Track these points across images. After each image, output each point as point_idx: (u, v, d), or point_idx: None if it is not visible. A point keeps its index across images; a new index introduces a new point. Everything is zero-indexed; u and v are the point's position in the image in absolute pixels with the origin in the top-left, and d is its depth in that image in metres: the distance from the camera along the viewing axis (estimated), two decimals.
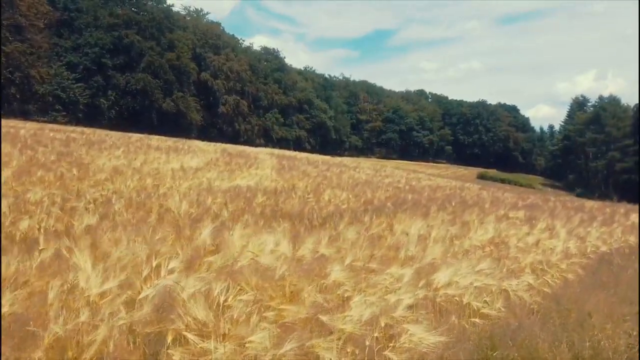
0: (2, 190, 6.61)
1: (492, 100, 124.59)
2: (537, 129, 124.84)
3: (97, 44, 44.36)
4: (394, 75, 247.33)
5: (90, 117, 44.28)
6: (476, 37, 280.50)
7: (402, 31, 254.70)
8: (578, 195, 72.63)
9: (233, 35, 74.07)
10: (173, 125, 47.02)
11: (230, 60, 60.32)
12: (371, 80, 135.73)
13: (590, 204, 17.65)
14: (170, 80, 49.99)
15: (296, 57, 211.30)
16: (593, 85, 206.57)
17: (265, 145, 69.66)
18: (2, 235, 4.77)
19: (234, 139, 60.65)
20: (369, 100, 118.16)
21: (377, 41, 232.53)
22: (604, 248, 7.67)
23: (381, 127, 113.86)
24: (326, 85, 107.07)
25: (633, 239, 8.93)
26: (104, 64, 45.36)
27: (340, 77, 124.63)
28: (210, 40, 58.71)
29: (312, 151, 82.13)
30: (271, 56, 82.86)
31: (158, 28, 50.25)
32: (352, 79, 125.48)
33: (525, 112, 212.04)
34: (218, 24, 64.87)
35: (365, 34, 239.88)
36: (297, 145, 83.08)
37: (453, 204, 9.38)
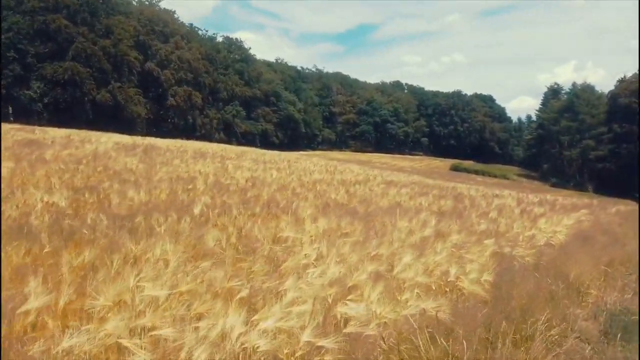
0: None
1: (472, 92, 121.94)
2: (522, 120, 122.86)
3: (12, 29, 39.74)
4: (379, 70, 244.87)
5: (18, 111, 40.03)
6: (458, 31, 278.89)
7: (386, 25, 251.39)
8: (553, 186, 70.50)
9: (191, 25, 69.80)
10: (110, 119, 42.85)
11: (181, 48, 56.15)
12: (356, 75, 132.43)
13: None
14: (106, 69, 45.59)
15: (281, 53, 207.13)
16: (573, 76, 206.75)
17: (229, 141, 65.82)
18: None
19: (189, 133, 56.70)
20: (343, 92, 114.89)
21: (361, 36, 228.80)
22: None
23: (355, 119, 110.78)
24: (297, 78, 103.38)
25: None
26: (22, 51, 40.82)
27: (314, 70, 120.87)
28: (157, 27, 54.38)
29: (280, 146, 78.65)
30: (234, 47, 78.76)
31: (92, 13, 45.78)
32: (325, 71, 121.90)
33: (508, 103, 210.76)
34: (169, 11, 60.63)
35: (350, 29, 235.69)
36: (264, 139, 79.38)
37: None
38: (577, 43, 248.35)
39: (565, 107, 76.35)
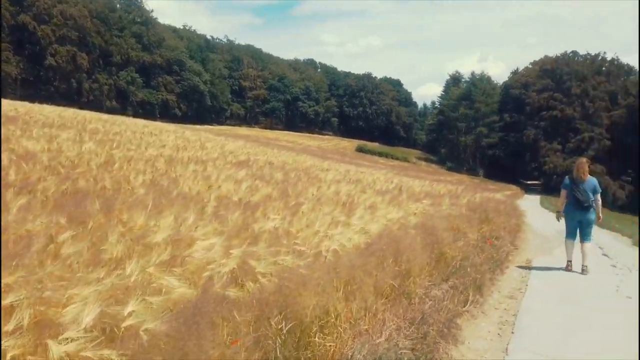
0: None
1: (382, 76, 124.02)
2: (427, 106, 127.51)
3: None
4: (295, 47, 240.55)
5: None
6: (376, 13, 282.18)
7: (307, 2, 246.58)
8: (448, 169, 74.26)
9: None
10: None
11: (64, 2, 49.84)
12: (271, 50, 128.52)
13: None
14: None
15: (194, 21, 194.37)
16: (477, 66, 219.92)
17: (123, 110, 60.47)
18: None
19: (74, 98, 50.97)
20: (254, 66, 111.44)
21: (281, 10, 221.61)
22: None
23: (266, 95, 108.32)
24: (206, 47, 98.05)
25: None
26: None
27: (224, 41, 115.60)
28: None
29: (183, 118, 74.13)
30: (133, 7, 72.15)
31: None
32: (237, 42, 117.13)
33: (417, 89, 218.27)
34: None
35: (270, 2, 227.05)
36: (165, 110, 74.42)
37: None
38: (483, 35, 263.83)
39: (464, 95, 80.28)
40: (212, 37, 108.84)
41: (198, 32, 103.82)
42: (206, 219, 3.91)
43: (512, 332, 4.26)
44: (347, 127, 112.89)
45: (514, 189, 48.31)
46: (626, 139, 57.73)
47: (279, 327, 2.48)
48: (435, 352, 3.45)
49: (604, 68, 65.31)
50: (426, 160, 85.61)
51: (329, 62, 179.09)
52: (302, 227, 4.45)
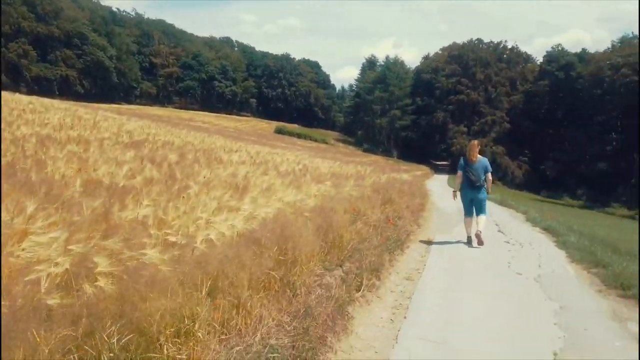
0: None
1: (301, 57, 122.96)
2: (345, 88, 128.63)
3: None
4: (212, 26, 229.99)
5: None
6: None
7: None
8: (364, 151, 76.09)
9: None
10: None
11: None
12: (185, 28, 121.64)
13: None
14: None
15: None
16: (392, 51, 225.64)
17: (16, 86, 54.36)
18: None
19: None
20: (166, 42, 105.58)
21: None
22: None
23: (179, 73, 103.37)
24: (111, 20, 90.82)
25: None
26: None
27: (133, 14, 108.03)
28: None
29: (86, 96, 68.38)
30: None
31: None
32: (146, 17, 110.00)
33: (335, 72, 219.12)
34: None
35: None
36: (65, 87, 68.19)
37: None
38: (398, 21, 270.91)
39: (379, 78, 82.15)
40: (118, 9, 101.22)
41: (102, 4, 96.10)
42: (57, 207, 3.28)
43: (405, 317, 4.12)
44: (265, 109, 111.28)
45: (424, 169, 50.60)
46: (523, 123, 62.61)
47: (111, 341, 2.00)
48: (319, 346, 3.17)
49: (505, 55, 69.91)
50: (344, 141, 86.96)
51: (246, 41, 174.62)
52: (180, 214, 3.94)
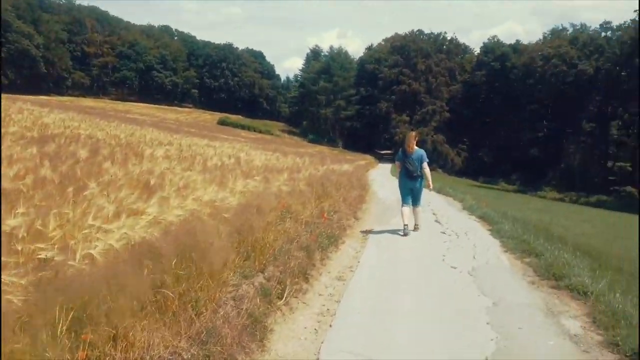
0: None
1: (244, 47, 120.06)
2: (290, 79, 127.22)
3: None
4: (151, 14, 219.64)
5: None
6: None
7: None
8: (309, 141, 75.85)
9: None
10: None
11: None
12: (121, 15, 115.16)
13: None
14: None
15: None
16: (337, 42, 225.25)
17: None
18: None
19: None
20: (100, 30, 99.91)
21: None
22: None
23: (115, 63, 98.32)
24: (38, 6, 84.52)
25: None
26: None
27: (62, 0, 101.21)
28: None
29: (11, 87, 63.39)
30: None
31: None
32: (77, 3, 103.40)
33: (281, 63, 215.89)
34: None
35: None
36: None
37: None
38: (343, 12, 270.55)
39: (323, 69, 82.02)
40: None
41: None
42: None
43: (331, 326, 3.76)
44: (208, 100, 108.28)
45: (369, 158, 51.08)
46: (462, 112, 64.65)
47: None
48: None
49: (444, 47, 71.69)
50: (289, 132, 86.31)
51: (186, 30, 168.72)
52: (64, 222, 3.34)
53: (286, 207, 5.91)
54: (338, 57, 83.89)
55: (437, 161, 63.93)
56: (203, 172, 6.57)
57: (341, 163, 19.38)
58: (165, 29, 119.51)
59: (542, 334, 3.67)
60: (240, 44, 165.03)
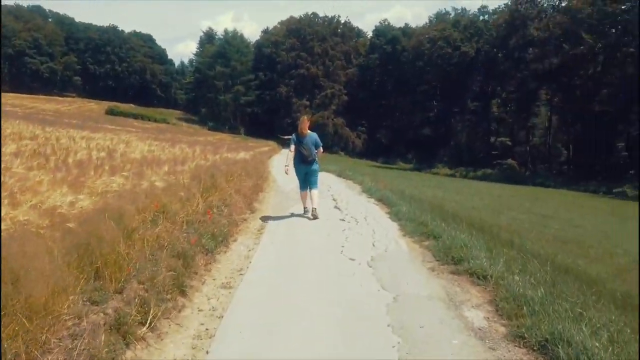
0: None
1: (131, 30, 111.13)
2: (185, 64, 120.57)
3: None
4: None
5: None
6: None
7: None
8: (210, 129, 73.07)
9: None
10: None
11: None
12: None
13: None
14: None
15: None
16: (232, 25, 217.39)
17: None
18: None
19: None
20: None
21: None
22: None
23: None
24: None
25: None
26: None
27: None
28: None
29: None
30: None
31: None
32: None
33: (174, 46, 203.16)
34: None
35: None
36: None
37: None
38: None
39: (219, 53, 79.10)
40: None
41: None
42: None
43: (207, 353, 3.09)
44: (94, 88, 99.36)
45: (272, 144, 50.37)
46: (359, 95, 66.27)
47: None
48: None
49: (339, 30, 72.61)
50: (187, 120, 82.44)
51: (62, 11, 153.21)
52: None
53: (161, 207, 5.05)
54: (234, 40, 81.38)
55: (339, 144, 65.18)
56: (58, 170, 5.45)
57: (238, 151, 18.46)
58: (37, 10, 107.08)
59: (446, 332, 3.33)
60: (125, 27, 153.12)
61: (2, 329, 2.30)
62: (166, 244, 4.36)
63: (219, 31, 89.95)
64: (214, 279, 4.60)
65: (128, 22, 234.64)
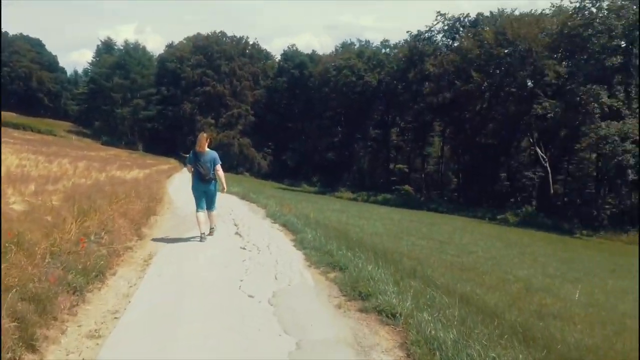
0: None
1: (17, 33, 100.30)
2: (79, 73, 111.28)
3: None
4: None
5: None
6: None
7: None
8: (103, 144, 67.84)
9: None
10: None
11: None
12: None
13: None
14: None
15: None
16: (134, 37, 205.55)
17: None
18: None
19: None
20: None
21: None
22: None
23: None
24: None
25: None
26: None
27: None
28: None
29: None
30: None
31: None
32: None
33: (68, 54, 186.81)
34: None
35: None
36: None
37: None
38: (142, 7, 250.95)
39: (118, 63, 74.57)
40: None
41: None
42: None
43: None
44: None
45: (173, 162, 47.94)
46: (267, 116, 66.03)
47: None
48: None
49: (247, 51, 72.24)
50: (78, 133, 75.90)
51: None
52: None
53: (14, 236, 4.10)
54: (135, 52, 77.32)
55: (244, 164, 64.03)
56: None
57: (132, 168, 16.96)
58: None
59: None
60: (10, 29, 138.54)
61: None
62: (15, 283, 3.46)
63: (119, 41, 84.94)
64: (79, 326, 3.76)
65: (14, 24, 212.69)
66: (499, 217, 33.78)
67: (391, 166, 56.20)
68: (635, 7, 30.26)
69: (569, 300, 8.07)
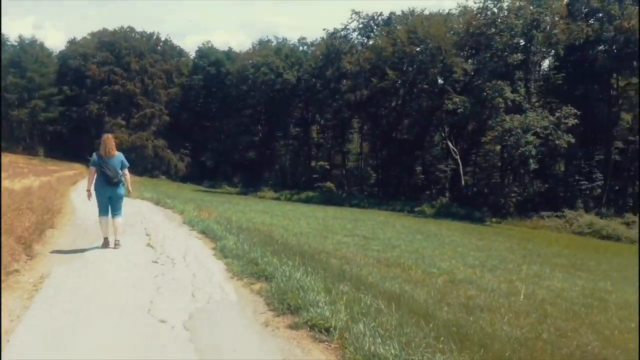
0: None
1: None
2: None
3: None
4: None
5: None
6: None
7: None
8: None
9: None
10: None
11: None
12: None
13: None
14: None
15: None
16: (31, 32, 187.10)
17: None
18: None
19: None
20: None
21: None
22: None
23: None
24: None
25: None
26: None
27: None
28: None
29: None
30: None
31: None
32: None
33: None
34: None
35: None
36: None
37: None
38: (36, 2, 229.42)
39: (12, 61, 67.52)
40: None
41: None
42: None
43: None
44: None
45: (79, 167, 44.28)
46: (182, 116, 63.31)
47: None
48: None
49: (159, 47, 68.82)
50: None
51: None
52: None
53: None
54: (31, 48, 70.51)
55: (160, 167, 60.94)
56: None
57: (28, 176, 15.14)
58: None
59: None
60: None
61: None
62: None
63: (12, 37, 76.97)
64: None
65: None
66: (416, 209, 35.04)
67: (312, 164, 56.34)
68: (532, 7, 32.76)
69: (491, 290, 8.24)
